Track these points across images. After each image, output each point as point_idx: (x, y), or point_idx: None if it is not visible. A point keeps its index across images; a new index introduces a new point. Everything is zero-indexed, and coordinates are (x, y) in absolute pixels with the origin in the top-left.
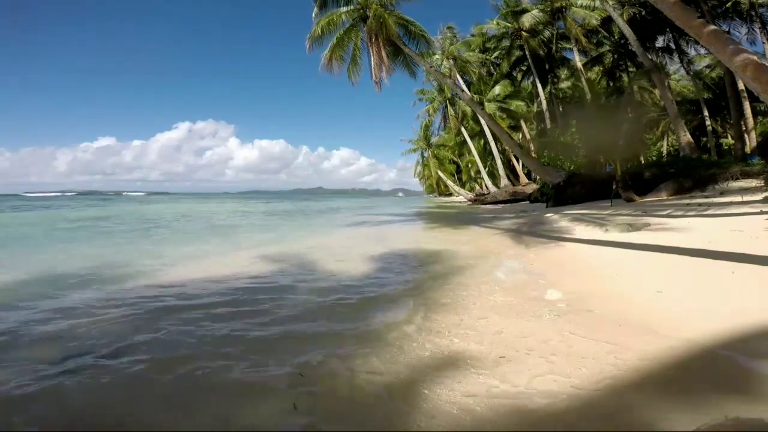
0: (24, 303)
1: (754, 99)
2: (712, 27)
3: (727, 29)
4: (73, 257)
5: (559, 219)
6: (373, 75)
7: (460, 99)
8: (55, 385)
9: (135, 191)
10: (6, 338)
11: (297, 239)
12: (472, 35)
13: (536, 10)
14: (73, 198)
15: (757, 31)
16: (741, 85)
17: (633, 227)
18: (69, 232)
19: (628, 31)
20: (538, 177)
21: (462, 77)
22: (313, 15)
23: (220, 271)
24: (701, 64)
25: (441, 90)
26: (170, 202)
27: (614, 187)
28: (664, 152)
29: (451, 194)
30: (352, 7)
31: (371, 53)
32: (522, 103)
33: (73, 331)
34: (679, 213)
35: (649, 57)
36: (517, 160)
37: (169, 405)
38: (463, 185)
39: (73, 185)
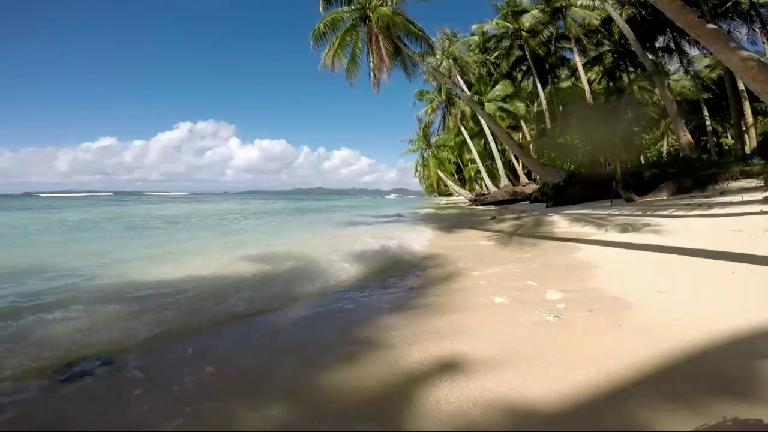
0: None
1: (754, 99)
2: (712, 26)
3: (727, 29)
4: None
5: (559, 219)
6: (373, 75)
7: (460, 99)
8: None
9: (158, 192)
10: None
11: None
12: (472, 35)
13: (536, 10)
14: (116, 198)
15: (758, 31)
16: (741, 85)
17: (633, 227)
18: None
19: (628, 31)
20: (538, 177)
21: (462, 77)
22: (321, 9)
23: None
24: (701, 64)
25: (441, 90)
26: (199, 202)
27: (614, 187)
28: (664, 152)
29: (451, 194)
30: (353, 7)
31: (371, 53)
32: (522, 104)
33: None
34: (679, 213)
35: (650, 57)
36: (517, 160)
37: None
38: (463, 185)
39: (73, 185)
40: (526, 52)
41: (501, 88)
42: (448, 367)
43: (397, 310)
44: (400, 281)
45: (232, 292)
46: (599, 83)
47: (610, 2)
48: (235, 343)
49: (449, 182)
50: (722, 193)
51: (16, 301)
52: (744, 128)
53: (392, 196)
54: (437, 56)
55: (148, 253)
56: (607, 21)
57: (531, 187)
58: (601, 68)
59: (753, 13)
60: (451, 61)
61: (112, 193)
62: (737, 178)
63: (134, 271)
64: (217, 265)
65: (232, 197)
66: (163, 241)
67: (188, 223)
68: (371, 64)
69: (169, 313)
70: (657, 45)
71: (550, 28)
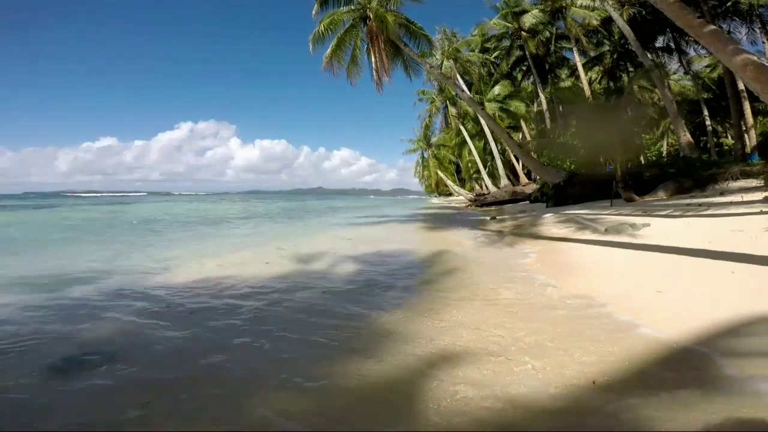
0: None
1: (754, 99)
2: (712, 27)
3: (727, 29)
4: None
5: (558, 219)
6: (374, 76)
7: (460, 99)
8: None
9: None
10: None
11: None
12: (473, 35)
13: (536, 10)
14: (153, 198)
15: (757, 31)
16: (741, 85)
17: (633, 227)
18: None
19: (627, 31)
20: (538, 177)
21: (462, 77)
22: (314, 13)
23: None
24: (701, 64)
25: (441, 90)
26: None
27: (614, 187)
28: (664, 152)
29: (451, 194)
30: (352, 7)
31: (372, 54)
32: (522, 104)
33: None
34: (679, 213)
35: (649, 57)
36: (517, 160)
37: None
38: (463, 185)
39: (74, 185)
40: (526, 52)
41: (501, 88)
42: (450, 364)
43: (397, 307)
44: (402, 281)
45: None
46: (599, 83)
47: (610, 2)
48: None
49: (449, 182)
50: (722, 193)
51: None
52: (744, 128)
53: (413, 196)
54: (438, 56)
55: None
56: (607, 21)
57: (531, 187)
58: (601, 68)
59: (753, 13)
60: (452, 61)
61: (145, 193)
62: (737, 178)
63: None
64: None
65: (245, 197)
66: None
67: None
68: (373, 64)
69: None
70: (657, 45)
71: (550, 28)
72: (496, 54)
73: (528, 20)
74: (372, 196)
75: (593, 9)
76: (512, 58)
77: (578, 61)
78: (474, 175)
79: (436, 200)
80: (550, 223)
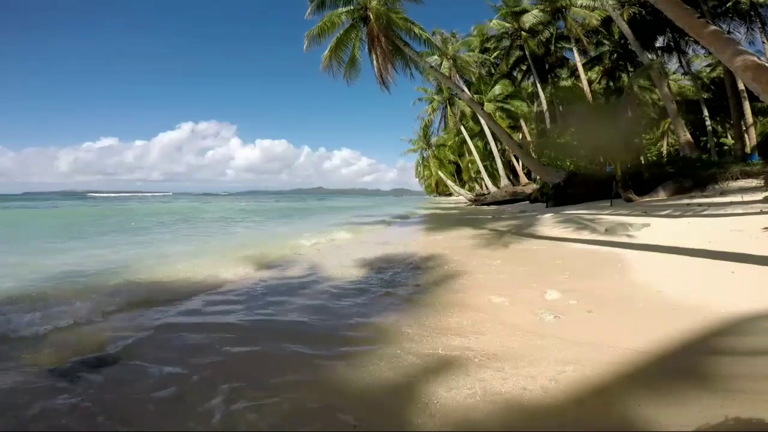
0: None
1: (754, 99)
2: (713, 27)
3: (727, 29)
4: None
5: (557, 219)
6: (379, 76)
7: (460, 99)
8: None
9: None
10: None
11: None
12: (472, 35)
13: (536, 10)
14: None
15: (757, 31)
16: (741, 85)
17: (632, 227)
18: None
19: (627, 31)
20: (538, 177)
21: (462, 77)
22: (306, 14)
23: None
24: (701, 64)
25: (441, 90)
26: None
27: (614, 187)
28: (664, 152)
29: (451, 194)
30: (352, 7)
31: (372, 54)
32: (522, 103)
33: None
34: (679, 213)
35: (649, 57)
36: (517, 160)
37: None
38: (463, 185)
39: (74, 185)
40: (526, 52)
41: (501, 88)
42: (450, 364)
43: (398, 310)
44: (403, 281)
45: None
46: (599, 83)
47: (610, 2)
48: None
49: (449, 182)
50: (722, 193)
51: None
52: (744, 128)
53: (413, 196)
54: (437, 56)
55: None
56: (607, 21)
57: (531, 187)
58: (601, 68)
59: (753, 13)
60: (451, 61)
61: (171, 193)
62: (737, 178)
63: None
64: None
65: (248, 197)
66: None
67: None
68: (375, 63)
69: None
70: (657, 45)
71: (550, 28)
72: (495, 54)
73: (528, 20)
74: (374, 197)
75: (593, 9)
76: (512, 58)
77: (578, 61)
78: (474, 175)
79: (437, 200)
80: (550, 223)
